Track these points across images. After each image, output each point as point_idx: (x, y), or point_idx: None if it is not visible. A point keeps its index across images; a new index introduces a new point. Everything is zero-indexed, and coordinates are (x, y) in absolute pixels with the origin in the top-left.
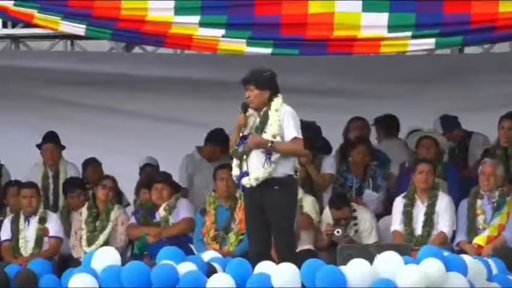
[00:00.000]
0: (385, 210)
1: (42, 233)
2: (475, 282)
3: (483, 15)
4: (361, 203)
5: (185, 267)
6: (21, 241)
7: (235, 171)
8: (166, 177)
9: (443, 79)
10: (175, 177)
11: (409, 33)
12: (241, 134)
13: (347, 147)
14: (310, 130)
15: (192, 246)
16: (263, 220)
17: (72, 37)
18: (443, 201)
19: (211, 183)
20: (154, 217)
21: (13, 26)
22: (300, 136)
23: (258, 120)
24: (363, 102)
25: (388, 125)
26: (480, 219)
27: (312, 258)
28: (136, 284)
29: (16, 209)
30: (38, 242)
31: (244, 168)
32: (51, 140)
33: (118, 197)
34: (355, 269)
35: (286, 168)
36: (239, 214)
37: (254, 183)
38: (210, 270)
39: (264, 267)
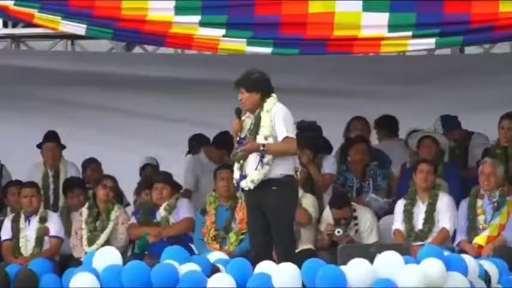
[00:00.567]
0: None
1: (42, 233)
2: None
3: (483, 15)
4: (362, 202)
5: (188, 268)
6: (21, 241)
7: (236, 175)
8: (166, 177)
9: (443, 79)
10: (176, 177)
11: (409, 33)
12: (238, 138)
13: (347, 147)
14: (311, 130)
15: (192, 246)
16: (263, 220)
17: (73, 37)
18: (444, 201)
19: None
20: (155, 217)
21: (13, 26)
22: (291, 135)
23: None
24: (363, 102)
25: (388, 125)
26: (480, 219)
27: (312, 258)
28: (137, 283)
29: (17, 208)
30: (39, 241)
31: (243, 172)
32: (51, 139)
33: (118, 196)
34: (355, 269)
35: (283, 168)
36: (239, 214)
37: (251, 186)
38: (214, 271)
39: (265, 267)
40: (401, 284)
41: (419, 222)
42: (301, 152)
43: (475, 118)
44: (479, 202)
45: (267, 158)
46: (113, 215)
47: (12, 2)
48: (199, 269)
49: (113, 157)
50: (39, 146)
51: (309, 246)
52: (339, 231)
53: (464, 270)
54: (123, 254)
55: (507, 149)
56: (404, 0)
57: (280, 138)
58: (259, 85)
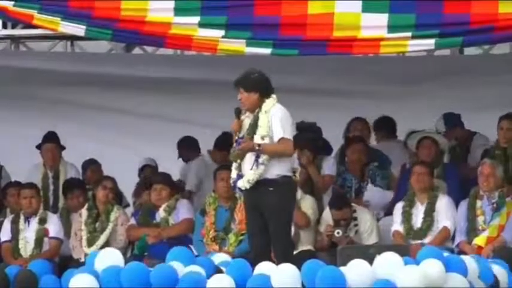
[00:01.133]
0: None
1: (42, 234)
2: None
3: (483, 15)
4: (361, 203)
5: (191, 269)
6: (21, 242)
7: (233, 174)
8: (165, 178)
9: (443, 80)
10: (175, 178)
11: (409, 34)
12: (236, 138)
13: (345, 148)
14: (310, 131)
15: (192, 247)
16: (262, 221)
17: (72, 38)
18: (443, 201)
19: None
20: (154, 218)
21: (13, 27)
22: (288, 136)
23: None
24: (363, 102)
25: (386, 126)
26: (480, 220)
27: (312, 259)
28: (136, 284)
29: (16, 209)
30: (38, 242)
31: (241, 171)
32: (51, 140)
33: (118, 197)
34: (355, 270)
35: (280, 169)
36: (239, 215)
37: (247, 186)
38: (217, 273)
39: (264, 268)
40: (400, 284)
41: (418, 222)
42: (300, 153)
43: (475, 118)
44: (479, 203)
45: (262, 158)
46: (112, 216)
47: (12, 2)
48: (203, 271)
49: (113, 158)
50: (38, 146)
51: (309, 247)
52: (338, 232)
53: (463, 271)
54: (123, 255)
55: (506, 149)
56: (404, 0)
57: (276, 139)
58: (258, 85)
